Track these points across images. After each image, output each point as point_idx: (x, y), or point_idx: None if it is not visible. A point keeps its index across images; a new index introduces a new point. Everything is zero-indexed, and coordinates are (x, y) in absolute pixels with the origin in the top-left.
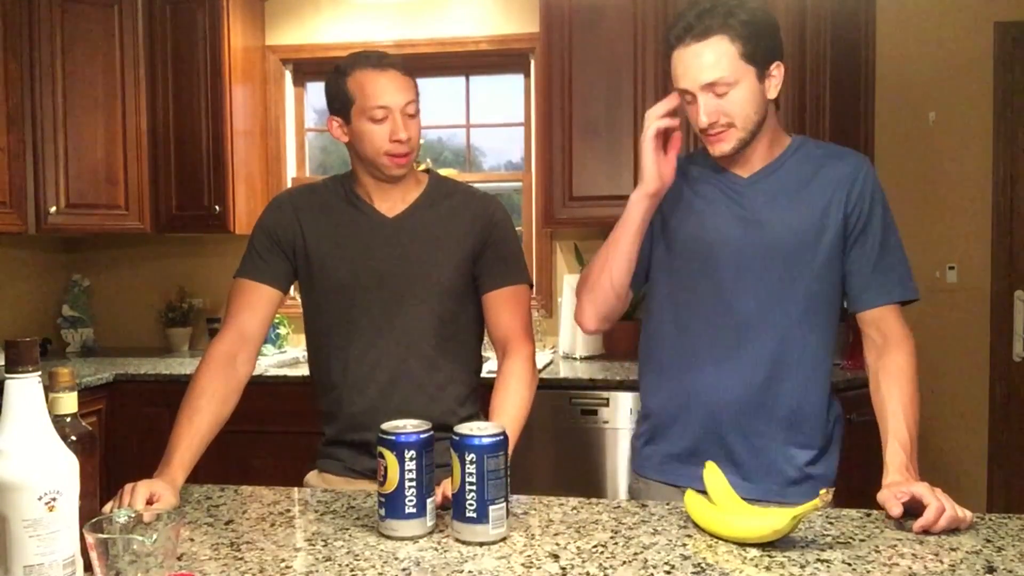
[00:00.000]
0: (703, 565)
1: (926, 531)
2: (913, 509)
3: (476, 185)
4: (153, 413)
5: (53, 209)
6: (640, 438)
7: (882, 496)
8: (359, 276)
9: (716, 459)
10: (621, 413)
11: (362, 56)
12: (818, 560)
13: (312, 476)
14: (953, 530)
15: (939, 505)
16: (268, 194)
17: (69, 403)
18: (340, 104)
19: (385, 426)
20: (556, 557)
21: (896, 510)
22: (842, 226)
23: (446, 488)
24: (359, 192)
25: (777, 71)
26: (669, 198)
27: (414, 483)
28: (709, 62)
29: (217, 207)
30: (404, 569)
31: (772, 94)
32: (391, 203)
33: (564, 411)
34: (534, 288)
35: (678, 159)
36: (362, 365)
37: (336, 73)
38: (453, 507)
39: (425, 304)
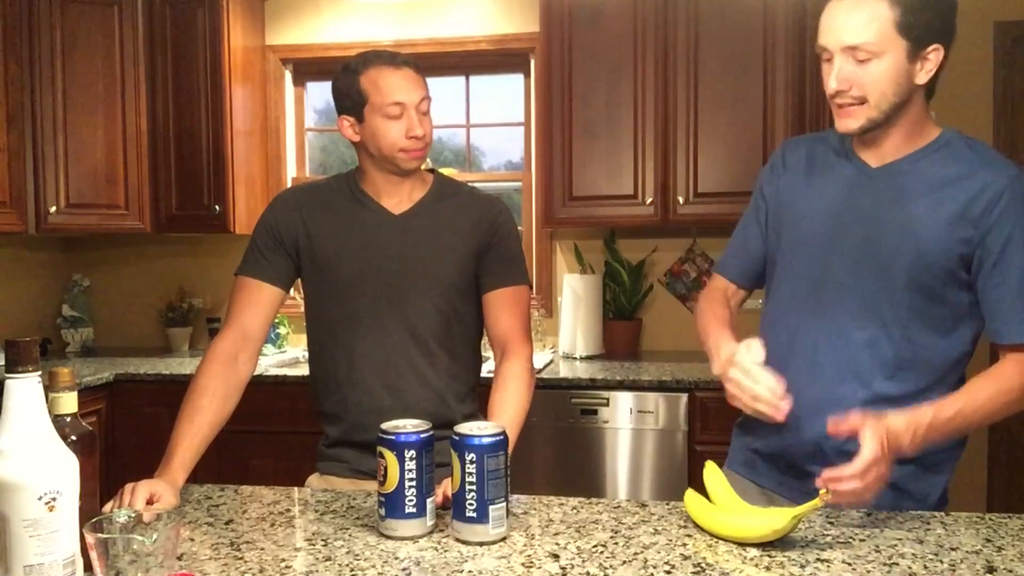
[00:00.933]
0: (703, 565)
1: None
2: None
3: (476, 185)
4: (153, 413)
5: (53, 209)
6: (736, 426)
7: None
8: (364, 272)
9: (803, 464)
10: (621, 413)
11: (374, 54)
12: (818, 560)
13: (314, 479)
14: (952, 528)
15: (853, 474)
16: (268, 194)
17: (69, 403)
18: (352, 102)
19: (385, 426)
20: (556, 557)
21: (831, 427)
22: (975, 244)
23: (446, 488)
24: (366, 189)
25: (934, 55)
26: (788, 184)
27: (414, 483)
28: (858, 22)
29: (217, 207)
30: (404, 569)
31: (921, 79)
32: (397, 200)
33: (564, 411)
34: (534, 288)
35: (806, 137)
36: (368, 363)
37: (348, 72)
38: (453, 507)
39: (431, 301)
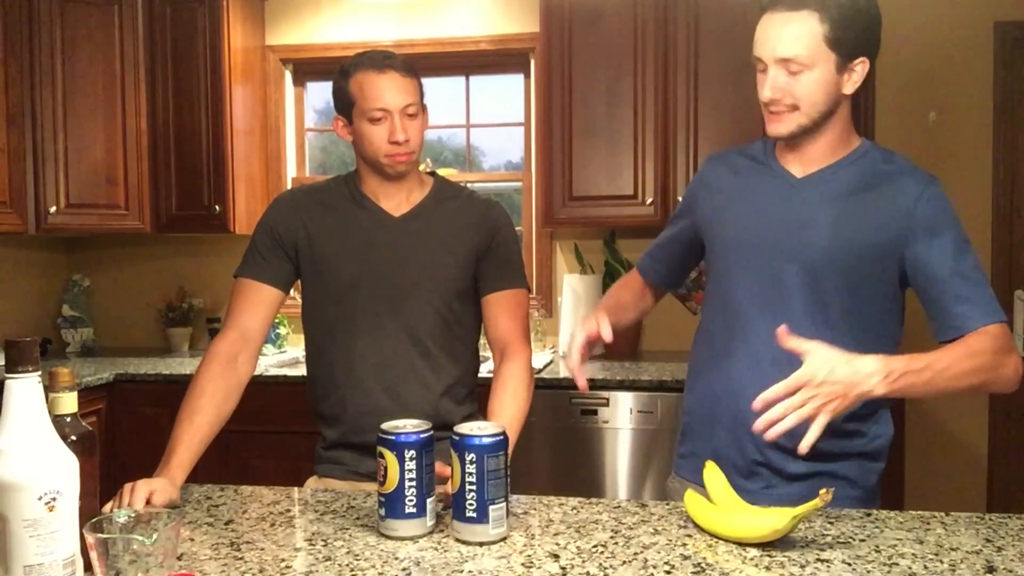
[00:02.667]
0: (703, 565)
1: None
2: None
3: (476, 185)
4: (153, 413)
5: (53, 209)
6: (678, 435)
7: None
8: (364, 274)
9: (747, 461)
10: (621, 413)
11: (365, 57)
12: (818, 560)
13: (312, 482)
14: (952, 528)
15: (776, 395)
16: (268, 194)
17: (69, 403)
18: (343, 104)
19: (385, 426)
20: (556, 557)
21: (781, 334)
22: (899, 247)
23: (446, 487)
24: (365, 191)
25: (860, 67)
26: (713, 199)
27: (414, 483)
28: (791, 36)
29: (217, 207)
30: (404, 569)
31: (848, 90)
32: (396, 202)
33: (564, 411)
34: (534, 288)
35: (728, 151)
36: (367, 365)
37: (340, 74)
38: (453, 507)
39: (430, 304)
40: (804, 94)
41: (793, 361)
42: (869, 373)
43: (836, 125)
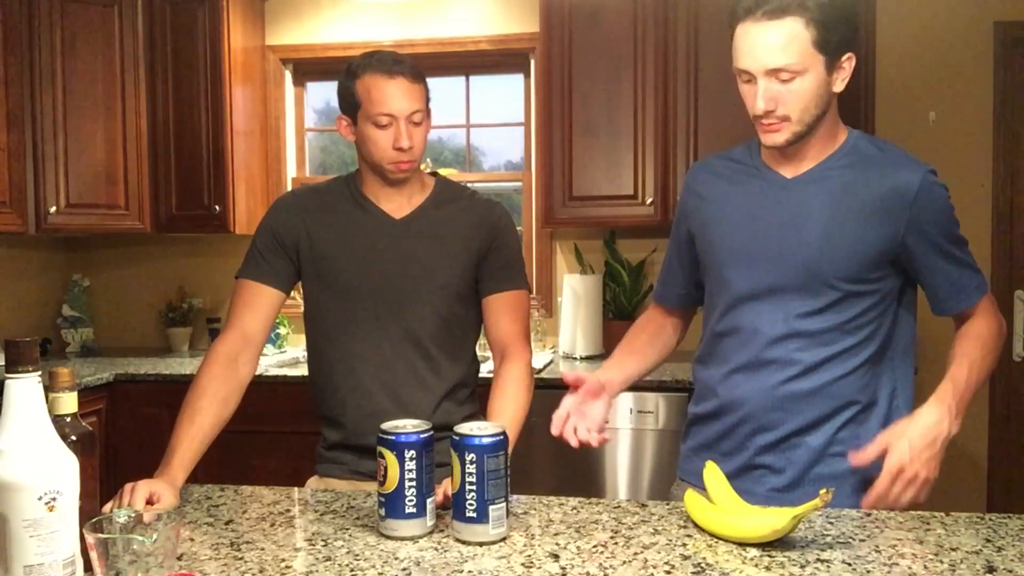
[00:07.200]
0: (703, 565)
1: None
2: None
3: (476, 185)
4: (153, 413)
5: (53, 209)
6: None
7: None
8: (365, 277)
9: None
10: (621, 413)
11: (375, 59)
12: (818, 560)
13: (313, 482)
14: (952, 528)
15: (881, 491)
16: (268, 194)
17: (69, 403)
18: (348, 105)
19: (385, 426)
20: (556, 557)
21: (853, 460)
22: (897, 238)
23: (446, 487)
24: (366, 193)
25: (848, 63)
26: (701, 207)
27: (414, 483)
28: (778, 45)
29: (217, 207)
30: (404, 569)
31: (838, 87)
32: (397, 204)
33: None
34: (534, 288)
35: (711, 158)
36: (367, 366)
37: (347, 73)
38: (453, 507)
39: (430, 305)
40: (796, 102)
41: (790, 359)
42: (937, 421)
43: (827, 123)
